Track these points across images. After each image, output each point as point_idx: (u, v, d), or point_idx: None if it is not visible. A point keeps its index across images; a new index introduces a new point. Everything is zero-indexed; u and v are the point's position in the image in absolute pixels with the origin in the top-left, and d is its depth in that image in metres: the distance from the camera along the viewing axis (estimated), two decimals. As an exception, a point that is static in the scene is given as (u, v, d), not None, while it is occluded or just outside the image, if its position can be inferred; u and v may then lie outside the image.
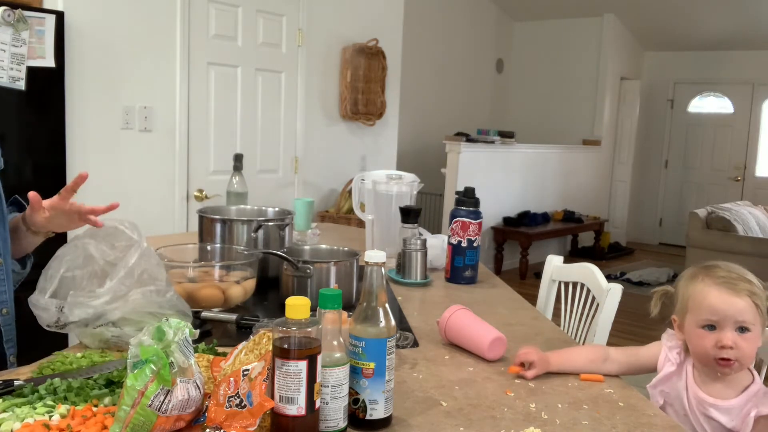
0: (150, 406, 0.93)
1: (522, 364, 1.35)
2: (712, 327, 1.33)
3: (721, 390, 1.36)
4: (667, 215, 9.20)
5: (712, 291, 1.33)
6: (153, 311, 1.31)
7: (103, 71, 3.26)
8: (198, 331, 1.00)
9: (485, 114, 8.36)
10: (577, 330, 2.03)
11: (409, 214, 2.13)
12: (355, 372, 1.05)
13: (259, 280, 1.73)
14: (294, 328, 0.97)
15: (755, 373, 1.40)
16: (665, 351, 1.43)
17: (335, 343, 1.03)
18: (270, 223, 1.94)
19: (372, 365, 1.05)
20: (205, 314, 1.53)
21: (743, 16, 7.56)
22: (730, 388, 1.36)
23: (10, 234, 1.50)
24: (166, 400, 0.94)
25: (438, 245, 2.23)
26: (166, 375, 0.95)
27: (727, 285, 1.33)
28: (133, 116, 3.40)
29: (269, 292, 1.82)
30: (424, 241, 2.07)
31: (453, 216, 2.10)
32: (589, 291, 2.03)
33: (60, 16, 3.01)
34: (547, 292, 2.22)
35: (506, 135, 6.80)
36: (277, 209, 2.14)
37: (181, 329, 0.99)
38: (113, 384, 1.13)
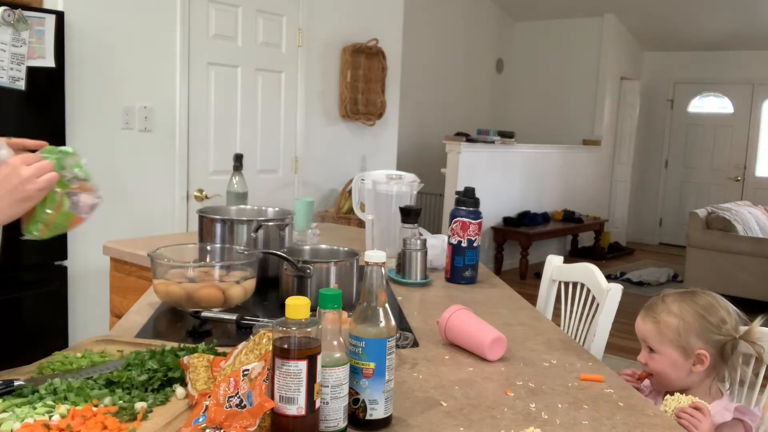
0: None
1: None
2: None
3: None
4: (667, 215, 9.20)
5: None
6: None
7: (103, 71, 3.26)
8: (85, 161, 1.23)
9: (485, 114, 8.36)
10: (577, 330, 2.03)
11: (409, 214, 2.13)
12: (355, 372, 1.05)
13: (259, 280, 1.73)
14: (294, 328, 0.97)
15: (721, 393, 1.52)
16: None
17: (335, 343, 1.03)
18: (270, 223, 1.93)
19: (372, 365, 1.05)
20: (205, 314, 1.53)
21: (743, 16, 7.56)
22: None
23: None
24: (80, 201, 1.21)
25: (438, 245, 2.23)
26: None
27: (643, 310, 1.57)
28: (133, 116, 3.40)
29: (269, 292, 1.81)
30: (424, 241, 2.07)
31: (453, 216, 2.10)
32: (589, 291, 2.03)
33: (60, 16, 3.00)
34: (547, 292, 2.22)
35: (506, 135, 6.80)
36: (277, 209, 2.14)
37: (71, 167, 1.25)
38: (113, 384, 1.13)
